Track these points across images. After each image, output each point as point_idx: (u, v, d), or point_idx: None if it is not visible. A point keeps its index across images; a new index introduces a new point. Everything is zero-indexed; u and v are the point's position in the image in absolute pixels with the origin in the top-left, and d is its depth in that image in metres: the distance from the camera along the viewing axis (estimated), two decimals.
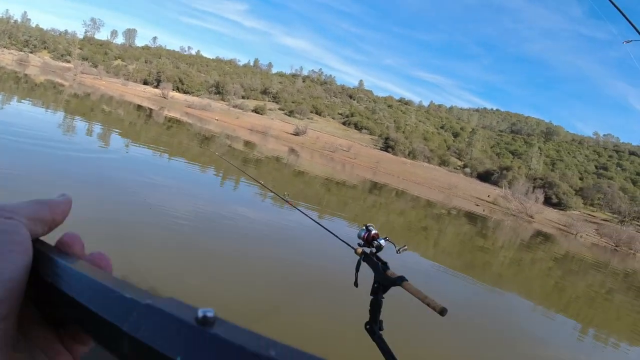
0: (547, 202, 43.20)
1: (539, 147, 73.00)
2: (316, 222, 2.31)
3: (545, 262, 13.03)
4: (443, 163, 58.18)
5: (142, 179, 8.51)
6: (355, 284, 1.43)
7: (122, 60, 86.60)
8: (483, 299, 6.84)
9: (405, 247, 1.46)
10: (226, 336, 0.20)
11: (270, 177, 14.12)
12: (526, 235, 19.93)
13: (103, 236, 4.25)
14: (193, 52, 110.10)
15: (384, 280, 1.23)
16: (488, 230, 17.19)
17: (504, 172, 52.35)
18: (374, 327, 1.23)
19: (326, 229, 2.03)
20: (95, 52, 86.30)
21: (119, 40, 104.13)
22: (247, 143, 27.63)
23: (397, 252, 1.44)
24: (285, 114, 66.84)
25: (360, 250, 1.42)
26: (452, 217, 17.99)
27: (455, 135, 79.81)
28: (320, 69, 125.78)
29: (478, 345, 4.74)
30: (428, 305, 1.08)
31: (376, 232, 1.47)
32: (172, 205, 6.71)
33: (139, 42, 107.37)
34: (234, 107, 62.59)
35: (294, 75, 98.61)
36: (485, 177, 53.59)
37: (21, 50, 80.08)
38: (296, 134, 47.17)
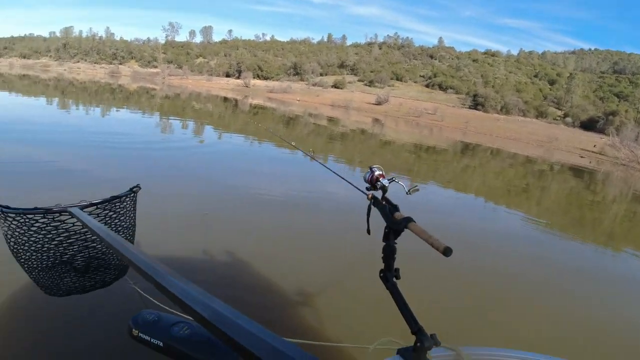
0: None
1: None
2: (329, 169, 2.20)
3: None
4: (540, 115, 53.62)
5: (238, 164, 9.09)
6: (368, 231, 1.39)
7: (203, 57, 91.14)
8: (594, 259, 6.35)
9: (417, 188, 1.38)
10: None
11: (357, 150, 14.16)
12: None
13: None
14: (267, 38, 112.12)
15: (393, 225, 1.18)
16: (596, 183, 15.72)
17: (610, 117, 46.94)
18: (387, 274, 1.19)
19: (339, 175, 1.92)
20: (177, 54, 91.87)
21: (198, 39, 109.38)
22: (330, 119, 27.84)
23: (407, 194, 1.36)
24: (365, 84, 65.91)
25: (370, 195, 1.39)
26: (555, 173, 16.68)
27: (552, 82, 72.86)
28: (396, 32, 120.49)
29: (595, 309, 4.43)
30: (432, 245, 1.04)
31: (380, 173, 1.43)
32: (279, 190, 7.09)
33: (216, 38, 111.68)
34: (313, 85, 63.15)
35: (369, 44, 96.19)
36: (589, 125, 48.53)
37: (111, 63, 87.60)
38: (378, 103, 46.47)
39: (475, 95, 56.35)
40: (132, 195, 2.06)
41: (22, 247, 1.84)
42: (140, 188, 2.11)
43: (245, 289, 3.46)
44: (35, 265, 1.90)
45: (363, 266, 4.05)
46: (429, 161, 14.03)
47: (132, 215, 2.11)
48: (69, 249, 1.90)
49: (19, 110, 15.93)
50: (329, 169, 2.22)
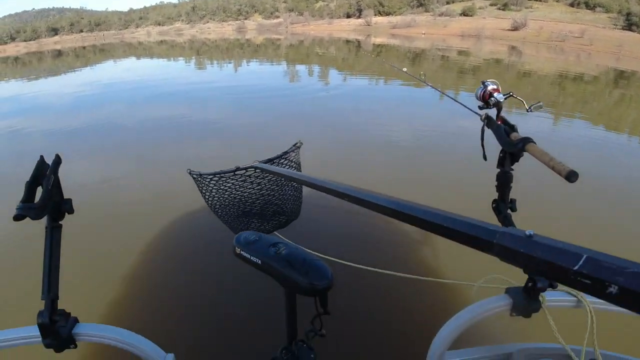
0: None
1: None
2: (440, 91, 2.30)
3: None
4: None
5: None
6: (484, 157, 1.27)
7: (322, 1, 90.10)
8: None
9: (541, 104, 1.26)
10: None
11: (499, 82, 13.49)
12: None
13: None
14: None
15: (509, 147, 1.07)
16: None
17: None
18: (500, 205, 1.10)
19: (449, 96, 2.01)
20: (298, 1, 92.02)
21: None
22: (460, 51, 26.31)
23: (528, 111, 1.28)
24: (499, 8, 59.59)
25: (484, 114, 1.24)
26: None
27: None
28: None
29: None
30: (553, 169, 0.92)
31: (495, 87, 1.30)
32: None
33: None
34: (439, 16, 59.03)
35: None
36: None
37: (237, 19, 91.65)
38: (514, 28, 42.07)
39: (628, 14, 47.50)
40: (296, 150, 2.34)
41: (218, 200, 2.32)
42: (302, 144, 2.39)
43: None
44: (229, 213, 2.36)
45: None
46: (576, 92, 12.87)
47: (298, 167, 2.39)
48: (254, 199, 2.29)
49: (171, 72, 18.31)
50: (439, 90, 2.43)
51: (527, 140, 1.01)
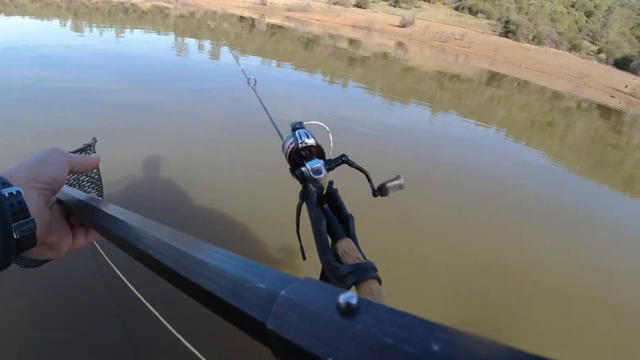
0: None
1: None
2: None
3: None
4: (573, 48, 50.81)
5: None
6: (303, 256, 0.82)
7: None
8: (611, 204, 6.19)
9: (399, 183, 0.77)
10: (375, 329, 0.17)
11: (378, 76, 13.61)
12: None
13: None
14: None
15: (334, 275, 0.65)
16: (623, 126, 15.09)
17: None
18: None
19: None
20: None
21: None
22: (351, 41, 26.61)
23: (375, 194, 0.78)
24: (390, 4, 62.23)
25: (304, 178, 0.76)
26: (582, 111, 16.04)
27: (589, 15, 67.91)
28: None
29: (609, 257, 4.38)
30: None
31: (312, 142, 0.79)
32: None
33: None
34: (334, 4, 59.82)
35: None
36: (622, 64, 45.78)
37: None
38: (403, 25, 44.11)
39: (507, 22, 52.97)
40: (89, 147, 1.79)
41: None
42: (96, 141, 1.83)
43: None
44: None
45: None
46: (453, 90, 13.49)
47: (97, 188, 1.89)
48: None
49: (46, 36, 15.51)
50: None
51: (362, 275, 0.55)
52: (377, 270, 0.56)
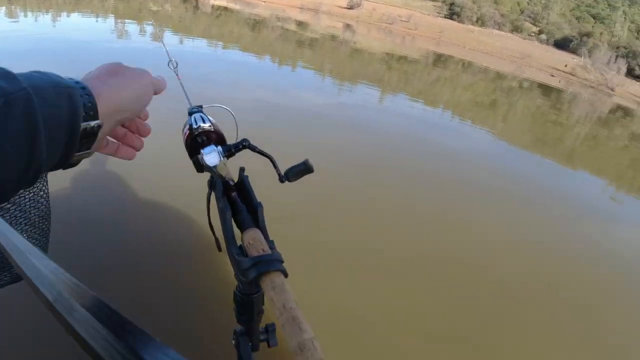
0: (630, 73, 38.35)
1: (624, 12, 63.05)
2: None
3: (623, 139, 11.85)
4: (516, 29, 52.60)
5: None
6: (218, 247, 0.68)
7: None
8: (551, 177, 6.38)
9: (306, 167, 0.68)
10: None
11: (327, 58, 13.41)
12: (604, 110, 18.14)
13: None
14: None
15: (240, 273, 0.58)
16: (563, 104, 15.75)
17: (584, 39, 46.41)
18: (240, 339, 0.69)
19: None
20: None
21: None
22: (299, 23, 26.19)
23: (282, 180, 0.68)
24: None
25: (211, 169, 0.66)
26: (523, 90, 16.58)
27: None
28: None
29: (541, 221, 4.47)
30: None
31: (208, 125, 0.69)
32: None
33: None
34: None
35: None
36: (562, 44, 48.01)
37: None
38: (350, 7, 43.95)
39: (452, 4, 53.99)
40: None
41: None
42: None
43: None
44: None
45: None
46: (400, 72, 13.51)
47: (44, 201, 1.62)
48: None
49: None
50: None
51: (264, 268, 0.51)
52: (282, 262, 0.51)
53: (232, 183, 0.65)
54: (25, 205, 1.39)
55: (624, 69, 33.98)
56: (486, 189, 4.88)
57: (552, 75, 26.58)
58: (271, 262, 0.51)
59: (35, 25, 13.05)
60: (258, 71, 9.57)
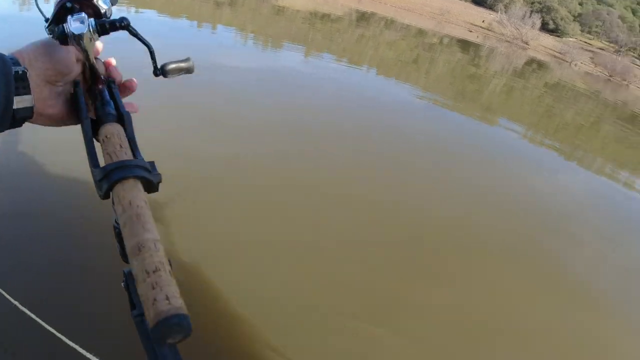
0: (544, 28, 40.85)
1: None
2: None
3: (537, 89, 12.70)
4: None
5: None
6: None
7: None
8: (473, 129, 6.73)
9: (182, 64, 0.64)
10: None
11: (249, 18, 12.90)
12: (520, 62, 19.23)
13: None
14: None
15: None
16: (481, 58, 16.47)
17: None
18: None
19: None
20: None
21: None
22: None
23: (155, 75, 0.63)
24: None
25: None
26: (444, 46, 17.08)
27: None
28: None
29: (471, 169, 4.73)
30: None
31: None
32: None
33: None
34: None
35: None
36: (480, 0, 49.70)
37: None
38: None
39: None
40: None
41: None
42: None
43: None
44: None
45: None
46: (324, 30, 13.34)
47: None
48: None
49: None
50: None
51: (119, 175, 0.42)
52: (148, 170, 0.44)
53: (101, 74, 0.57)
54: None
55: (538, 24, 35.91)
56: (411, 144, 5.05)
57: (470, 31, 27.59)
58: (129, 168, 0.42)
59: None
60: (174, 34, 9.05)
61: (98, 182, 0.42)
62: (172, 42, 7.80)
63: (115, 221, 0.44)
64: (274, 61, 7.88)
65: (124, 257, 0.46)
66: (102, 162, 0.44)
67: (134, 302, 0.45)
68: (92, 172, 0.43)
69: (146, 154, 0.47)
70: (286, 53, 8.71)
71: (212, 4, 15.14)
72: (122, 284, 0.51)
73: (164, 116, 3.85)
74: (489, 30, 31.17)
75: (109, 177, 0.41)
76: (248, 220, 2.88)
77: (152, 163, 0.46)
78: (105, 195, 0.42)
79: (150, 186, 0.44)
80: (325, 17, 16.29)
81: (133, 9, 11.17)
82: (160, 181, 0.45)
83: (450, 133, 5.92)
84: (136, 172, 0.42)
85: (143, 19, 10.15)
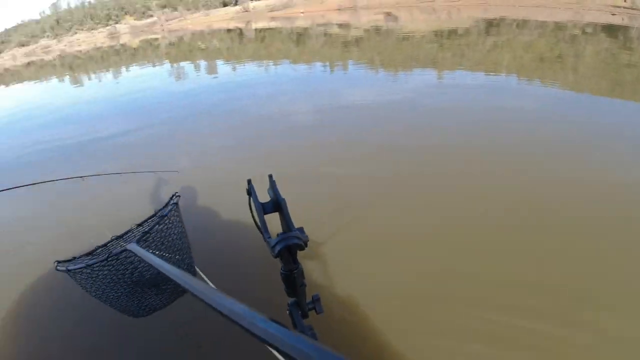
0: None
1: None
2: None
3: None
4: None
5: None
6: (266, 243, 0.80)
7: None
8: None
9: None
10: None
11: (377, 51, 13.60)
12: None
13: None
14: None
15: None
16: (632, 41, 14.66)
17: None
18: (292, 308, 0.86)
19: None
20: None
21: None
22: (340, 25, 26.52)
23: None
24: None
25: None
26: (588, 36, 15.64)
27: None
28: None
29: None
30: None
31: None
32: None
33: None
34: None
35: None
36: None
37: (107, 25, 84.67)
38: None
39: None
40: (174, 207, 2.08)
41: (98, 288, 1.94)
42: (179, 196, 2.12)
43: None
44: (116, 297, 2.00)
45: None
46: (452, 47, 13.37)
47: (180, 224, 2.13)
48: (141, 273, 1.97)
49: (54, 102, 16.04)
50: None
51: (280, 246, 0.69)
52: (299, 237, 0.69)
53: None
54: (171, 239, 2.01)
55: None
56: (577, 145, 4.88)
57: (613, 14, 24.66)
58: (289, 238, 0.69)
59: (100, 86, 14.44)
60: (310, 81, 10.01)
61: (271, 248, 0.69)
62: (306, 89, 8.72)
63: (281, 269, 0.75)
64: (404, 90, 8.21)
65: (288, 293, 0.79)
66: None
67: (295, 324, 0.78)
68: (267, 241, 0.72)
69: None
70: (417, 78, 9.02)
71: (340, 46, 16.30)
72: (287, 311, 0.81)
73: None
74: (634, 9, 27.37)
75: (276, 246, 0.69)
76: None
77: (301, 228, 0.72)
78: (277, 256, 0.70)
79: (303, 247, 0.70)
80: (451, 34, 16.28)
81: (272, 62, 12.69)
82: (307, 240, 0.70)
83: (603, 126, 5.53)
84: (292, 241, 0.69)
85: (278, 71, 11.48)
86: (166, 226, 2.01)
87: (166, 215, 2.00)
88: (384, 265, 3.08)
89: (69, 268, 1.85)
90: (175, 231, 2.07)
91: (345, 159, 4.92)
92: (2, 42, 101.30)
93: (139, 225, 2.10)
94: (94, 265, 1.85)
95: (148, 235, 1.90)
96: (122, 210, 4.26)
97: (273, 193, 0.77)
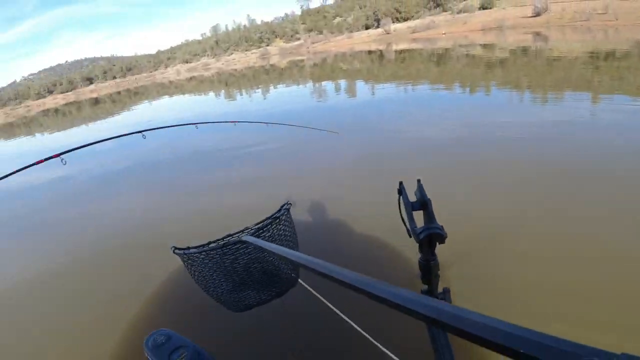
0: None
1: None
2: None
3: None
4: None
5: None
6: (408, 234, 0.89)
7: (339, 16, 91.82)
8: None
9: None
10: None
11: (523, 74, 13.49)
12: None
13: None
14: None
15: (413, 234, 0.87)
16: None
17: None
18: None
19: None
20: (315, 20, 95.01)
21: (330, 0, 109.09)
22: (483, 46, 26.19)
23: None
24: None
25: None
26: None
27: None
28: None
29: None
30: None
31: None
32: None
33: None
34: (457, 13, 58.84)
35: None
36: None
37: (259, 47, 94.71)
38: (536, 14, 41.41)
39: None
40: (286, 212, 2.23)
41: (206, 277, 2.12)
42: (291, 205, 2.27)
43: None
44: (222, 289, 2.16)
45: None
46: (609, 70, 12.66)
47: (291, 227, 2.30)
48: (246, 269, 2.11)
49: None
50: None
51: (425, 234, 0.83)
52: (441, 230, 0.81)
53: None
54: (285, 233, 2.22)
55: None
56: None
57: None
58: (432, 229, 0.81)
59: (248, 101, 16.33)
60: (449, 104, 10.36)
61: (417, 235, 0.82)
62: (444, 115, 9.14)
63: (420, 259, 0.87)
64: (555, 115, 8.14)
65: (423, 281, 0.89)
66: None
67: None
68: (414, 229, 0.83)
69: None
70: (569, 103, 8.82)
71: (482, 67, 16.36)
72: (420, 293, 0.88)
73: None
74: None
75: (422, 233, 0.82)
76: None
77: (441, 227, 0.82)
78: (420, 241, 0.82)
79: (443, 239, 0.82)
80: (608, 55, 15.29)
81: (409, 86, 13.35)
82: (446, 236, 0.82)
83: None
84: (434, 230, 0.81)
85: (415, 94, 12.03)
86: (277, 228, 2.14)
87: (279, 217, 2.14)
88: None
89: (185, 252, 2.04)
90: (287, 233, 2.21)
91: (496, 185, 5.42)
92: (169, 59, 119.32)
93: (248, 227, 2.18)
94: (209, 251, 2.00)
95: (261, 231, 2.03)
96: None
97: (420, 194, 0.87)
